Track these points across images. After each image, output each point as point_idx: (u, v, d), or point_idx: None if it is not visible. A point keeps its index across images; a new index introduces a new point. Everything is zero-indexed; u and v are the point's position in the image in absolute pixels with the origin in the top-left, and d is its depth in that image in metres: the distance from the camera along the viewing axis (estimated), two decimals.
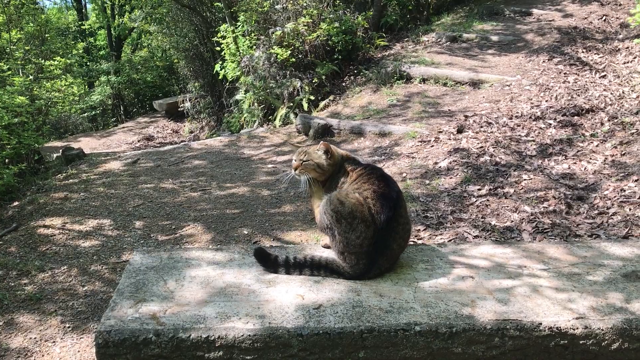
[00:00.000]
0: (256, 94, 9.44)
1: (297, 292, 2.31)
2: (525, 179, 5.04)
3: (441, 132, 6.57)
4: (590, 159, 5.42)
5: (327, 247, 2.78)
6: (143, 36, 20.34)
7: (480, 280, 2.38)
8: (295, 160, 2.83)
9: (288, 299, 2.27)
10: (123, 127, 14.78)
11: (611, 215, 4.22)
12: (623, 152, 5.39)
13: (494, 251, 2.67)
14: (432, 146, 6.22)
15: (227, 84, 10.67)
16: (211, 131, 12.01)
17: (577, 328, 2.06)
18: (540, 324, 2.07)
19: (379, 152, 6.46)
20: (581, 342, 2.06)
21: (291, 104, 8.98)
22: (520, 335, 2.05)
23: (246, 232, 4.55)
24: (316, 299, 2.27)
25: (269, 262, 2.60)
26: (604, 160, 5.33)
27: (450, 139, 6.28)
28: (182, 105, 13.44)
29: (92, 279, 3.96)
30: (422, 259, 2.62)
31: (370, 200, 2.46)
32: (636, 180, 4.71)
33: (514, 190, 4.83)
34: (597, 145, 5.72)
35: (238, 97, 10.26)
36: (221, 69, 10.51)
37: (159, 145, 11.60)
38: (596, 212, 4.31)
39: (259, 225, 4.69)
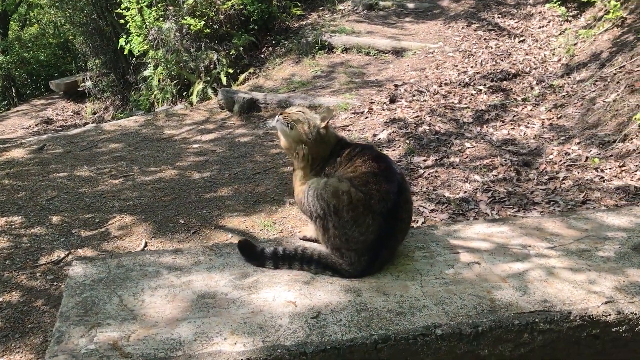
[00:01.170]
0: (168, 68, 8.79)
1: (286, 298, 1.95)
2: (468, 147, 4.91)
3: (373, 102, 6.34)
4: (528, 123, 5.38)
5: (308, 240, 2.43)
6: (32, 10, 18.64)
7: (488, 266, 2.14)
8: (288, 110, 2.48)
9: (278, 307, 1.90)
10: (17, 111, 13.48)
11: (562, 180, 4.15)
12: (559, 115, 5.40)
13: (491, 230, 2.44)
14: (367, 117, 5.98)
15: (134, 59, 9.88)
16: (117, 111, 11.16)
17: (610, 314, 1.86)
18: (570, 313, 1.85)
19: None
20: (613, 329, 1.87)
21: (208, 78, 8.44)
22: (550, 328, 1.82)
23: (182, 222, 4.11)
24: (311, 304, 1.92)
25: (254, 254, 2.25)
26: (542, 124, 5.30)
27: (384, 110, 6.06)
28: (82, 84, 12.40)
29: (7, 289, 3.40)
30: (417, 245, 2.35)
31: (372, 186, 2.14)
32: (578, 143, 4.70)
33: (460, 160, 4.69)
34: (531, 110, 5.70)
35: (146, 73, 9.53)
36: (126, 44, 9.70)
37: (60, 128, 10.66)
38: (546, 177, 4.24)
39: (196, 212, 4.26)
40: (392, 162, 2.33)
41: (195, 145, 6.04)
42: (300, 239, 2.46)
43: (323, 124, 2.38)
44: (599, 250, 2.23)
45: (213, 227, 4.00)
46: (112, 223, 4.16)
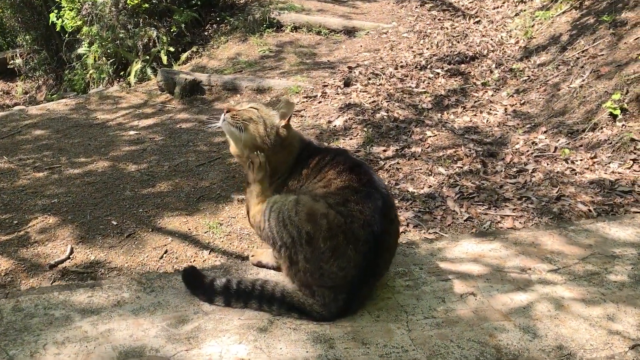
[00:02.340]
0: (104, 46, 8.13)
1: (237, 355, 1.53)
2: (430, 136, 4.58)
3: (327, 85, 5.93)
4: (491, 109, 5.10)
5: (264, 266, 2.01)
6: None
7: (485, 299, 1.79)
8: (237, 106, 2.02)
9: None
10: None
11: (531, 172, 3.87)
12: (522, 102, 5.13)
13: (481, 248, 2.09)
14: (320, 102, 5.57)
15: (67, 36, 9.12)
16: (50, 91, 10.36)
17: None
18: None
19: None
20: None
21: (147, 57, 7.83)
22: None
23: (115, 223, 3.61)
24: None
25: (201, 287, 1.84)
26: (505, 111, 5.03)
27: (338, 94, 5.67)
28: (11, 62, 11.48)
29: None
30: (397, 270, 1.98)
31: (354, 205, 1.73)
32: (545, 132, 4.43)
33: (422, 150, 4.35)
34: (492, 95, 5.43)
35: (81, 51, 8.80)
36: (58, 19, 8.92)
37: None
38: (514, 169, 3.95)
39: (130, 211, 3.78)
40: (373, 172, 1.93)
41: (131, 132, 5.50)
42: (254, 264, 2.04)
43: (283, 123, 1.95)
44: (609, 273, 1.92)
45: (150, 229, 3.54)
46: (33, 225, 3.62)
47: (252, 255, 2.07)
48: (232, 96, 6.21)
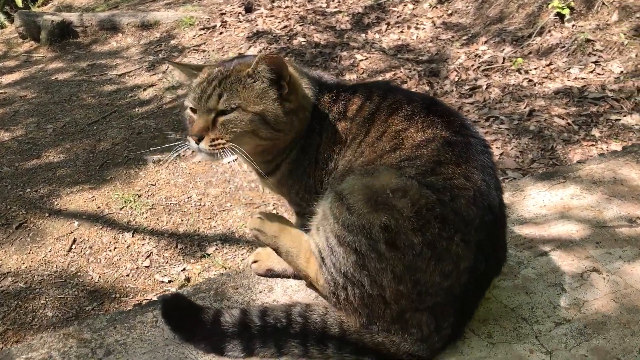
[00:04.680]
0: None
1: None
2: (361, 60, 4.01)
3: (224, 13, 5.13)
4: (418, 24, 4.58)
5: (277, 275, 1.34)
6: None
7: (615, 277, 1.29)
8: (199, 112, 1.30)
9: None
10: None
11: (486, 89, 3.44)
12: (449, 12, 4.65)
13: (558, 197, 1.55)
14: (222, 33, 4.79)
15: None
16: None
17: None
18: None
19: (153, 49, 4.80)
20: None
21: None
22: None
23: None
24: None
25: (200, 328, 1.19)
26: (434, 24, 4.53)
27: (241, 21, 4.90)
28: None
29: None
30: None
31: (451, 168, 1.12)
32: (486, 42, 4.00)
33: (358, 77, 3.79)
34: (414, 8, 4.90)
35: None
36: None
37: None
38: (466, 87, 3.50)
39: (15, 193, 2.94)
40: (459, 114, 1.32)
41: None
42: (260, 274, 1.37)
43: (279, 93, 1.29)
44: None
45: (47, 214, 2.74)
46: None
47: (256, 261, 1.40)
48: (112, 36, 5.23)
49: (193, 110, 1.32)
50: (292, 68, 1.34)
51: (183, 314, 1.21)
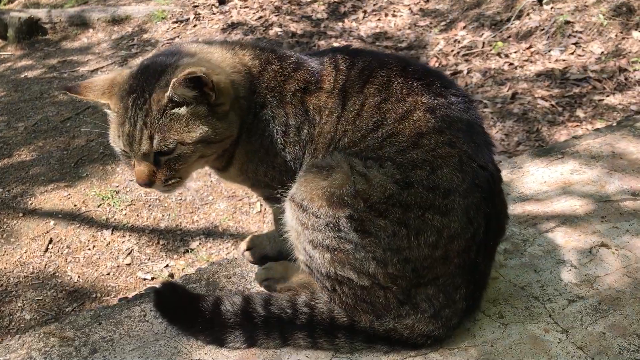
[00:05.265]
0: None
1: None
2: None
3: (197, 6, 5.03)
4: (395, 11, 4.53)
5: (295, 287, 1.27)
6: None
7: (626, 251, 1.26)
8: (135, 158, 1.17)
9: None
10: None
11: (467, 74, 3.41)
12: None
13: (558, 173, 1.52)
14: (196, 26, 4.69)
15: None
16: None
17: None
18: None
19: (125, 44, 4.68)
20: None
21: None
22: None
23: None
24: None
25: (198, 318, 1.13)
26: (411, 11, 4.49)
27: (215, 14, 4.81)
28: None
29: None
30: None
31: (433, 137, 1.08)
32: (465, 27, 3.97)
33: None
34: None
35: None
36: None
37: None
38: (448, 73, 3.46)
39: None
40: (437, 72, 1.26)
41: None
42: (253, 262, 1.29)
43: (205, 100, 1.13)
44: None
45: (21, 215, 2.63)
46: None
47: (249, 249, 1.32)
48: (82, 32, 5.09)
49: (126, 154, 1.19)
50: (216, 54, 1.22)
51: (179, 304, 1.14)
